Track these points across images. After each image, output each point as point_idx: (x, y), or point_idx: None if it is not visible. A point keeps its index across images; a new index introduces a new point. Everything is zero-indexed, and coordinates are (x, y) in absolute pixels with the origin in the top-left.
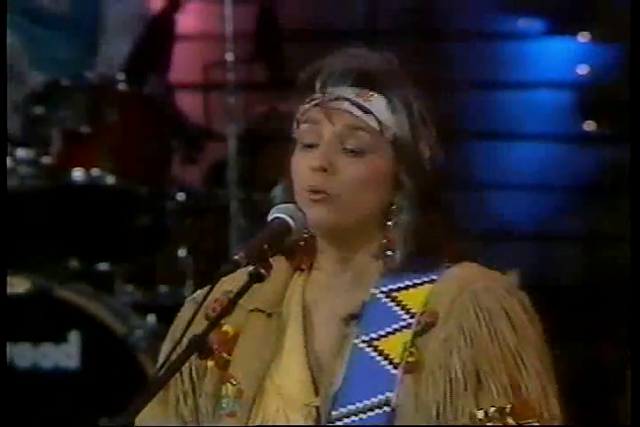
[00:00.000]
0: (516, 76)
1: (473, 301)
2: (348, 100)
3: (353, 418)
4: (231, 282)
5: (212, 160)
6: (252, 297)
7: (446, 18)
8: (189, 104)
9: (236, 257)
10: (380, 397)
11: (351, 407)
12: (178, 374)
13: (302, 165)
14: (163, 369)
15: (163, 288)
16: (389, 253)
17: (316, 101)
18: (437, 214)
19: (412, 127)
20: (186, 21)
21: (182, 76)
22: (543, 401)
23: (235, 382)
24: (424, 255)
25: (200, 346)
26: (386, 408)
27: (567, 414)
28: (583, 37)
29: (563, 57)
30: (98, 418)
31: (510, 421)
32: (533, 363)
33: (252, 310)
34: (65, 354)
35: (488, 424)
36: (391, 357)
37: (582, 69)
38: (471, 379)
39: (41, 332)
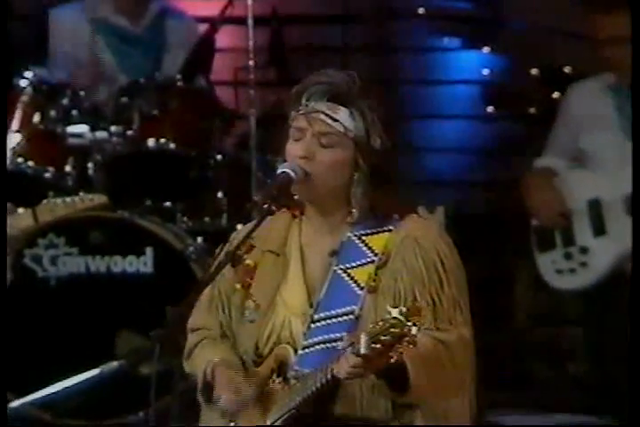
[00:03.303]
0: (441, 76)
1: (413, 243)
2: (323, 112)
3: (327, 321)
4: (245, 230)
5: (240, 133)
6: (265, 241)
7: (395, 36)
8: (225, 95)
9: (255, 198)
10: (348, 308)
11: (327, 313)
12: (218, 293)
13: (292, 153)
14: (210, 273)
15: (207, 219)
16: (353, 211)
17: (301, 111)
18: (386, 185)
19: (366, 129)
20: (221, 39)
21: (219, 76)
22: (453, 312)
23: (254, 299)
24: (375, 213)
25: (232, 258)
26: (351, 316)
27: (476, 315)
28: (486, 50)
29: (473, 63)
30: (165, 307)
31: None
32: (451, 287)
33: (264, 251)
34: (143, 263)
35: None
36: (359, 282)
37: (485, 71)
38: (409, 296)
39: (127, 247)
